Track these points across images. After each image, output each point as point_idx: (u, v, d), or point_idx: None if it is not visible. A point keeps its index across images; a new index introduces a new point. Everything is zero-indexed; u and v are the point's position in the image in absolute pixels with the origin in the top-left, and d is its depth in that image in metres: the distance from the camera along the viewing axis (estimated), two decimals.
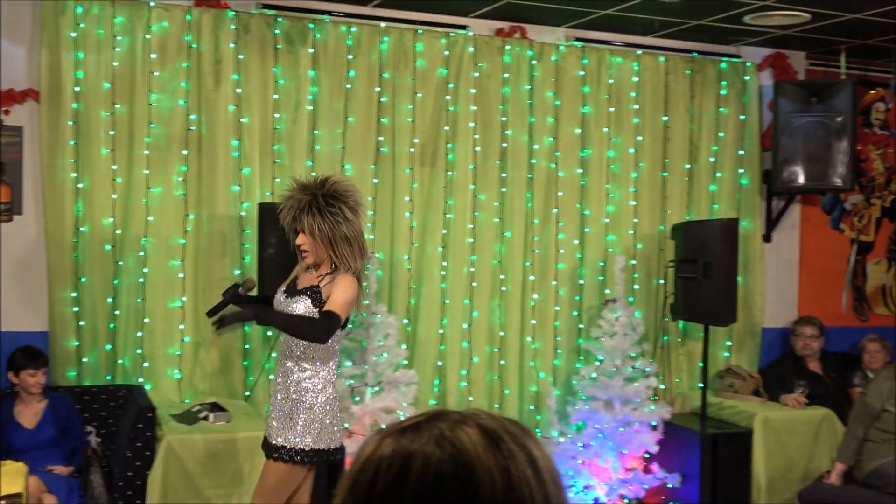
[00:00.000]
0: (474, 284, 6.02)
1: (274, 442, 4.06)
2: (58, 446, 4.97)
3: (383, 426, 5.33)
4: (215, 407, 5.11)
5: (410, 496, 0.99)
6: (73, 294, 5.28)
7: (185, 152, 5.45)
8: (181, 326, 5.45)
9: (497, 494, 0.99)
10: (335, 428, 4.11)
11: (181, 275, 5.44)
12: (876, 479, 5.36)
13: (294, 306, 4.06)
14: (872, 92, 7.25)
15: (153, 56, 5.38)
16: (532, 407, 6.17)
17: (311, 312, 4.00)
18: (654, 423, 6.03)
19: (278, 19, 5.62)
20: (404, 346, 5.72)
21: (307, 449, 4.03)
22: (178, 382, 5.48)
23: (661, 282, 6.44)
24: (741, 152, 6.67)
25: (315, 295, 4.04)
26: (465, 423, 1.05)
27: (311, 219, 4.03)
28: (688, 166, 6.55)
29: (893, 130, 7.35)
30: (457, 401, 5.96)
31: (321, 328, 3.93)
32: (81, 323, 5.31)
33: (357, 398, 5.39)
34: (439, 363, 5.96)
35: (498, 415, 1.09)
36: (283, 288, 4.23)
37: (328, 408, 4.07)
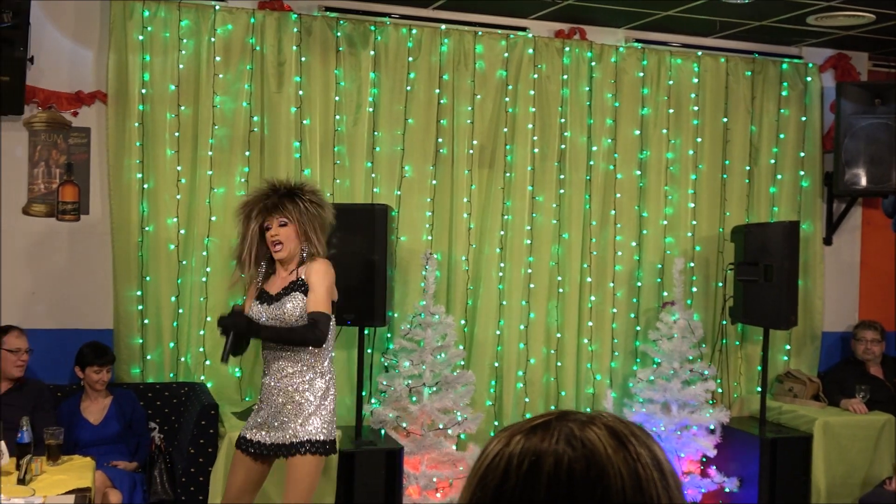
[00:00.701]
0: (531, 286, 6.03)
1: (295, 440, 4.00)
2: (122, 442, 5.07)
3: (440, 425, 5.37)
4: None
5: (542, 494, 1.01)
6: (138, 292, 5.38)
7: (247, 153, 5.52)
8: None
9: (626, 495, 1.00)
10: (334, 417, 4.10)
11: (243, 275, 5.50)
12: None
13: (287, 307, 4.01)
14: None
15: (217, 58, 5.46)
16: (588, 409, 6.16)
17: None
18: (711, 427, 6.00)
19: (340, 22, 5.68)
20: (462, 347, 5.76)
21: (332, 439, 4.04)
22: (239, 380, 5.56)
23: (721, 284, 6.39)
24: (802, 154, 6.60)
25: (305, 288, 4.02)
26: (594, 424, 1.07)
27: (294, 206, 4.04)
28: (748, 168, 6.50)
29: None
30: (513, 402, 5.97)
31: (319, 333, 3.94)
32: (146, 321, 5.41)
33: (414, 398, 5.43)
34: (496, 364, 5.98)
35: (621, 417, 1.11)
36: (254, 300, 4.13)
37: (332, 397, 4.07)
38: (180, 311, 5.46)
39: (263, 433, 4.08)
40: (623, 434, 1.06)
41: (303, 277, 4.04)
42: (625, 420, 1.10)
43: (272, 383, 4.06)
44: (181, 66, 5.41)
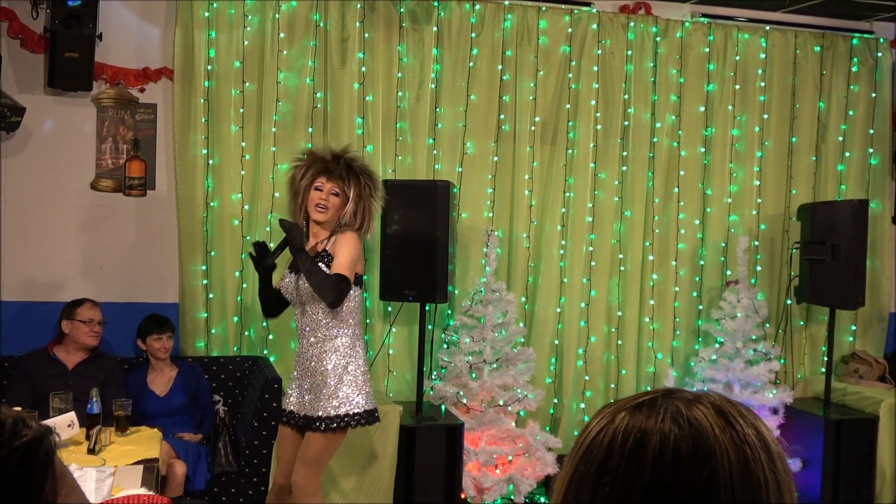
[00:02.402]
0: (593, 263, 6.00)
1: (321, 413, 4.03)
2: (188, 413, 5.16)
3: (500, 402, 5.38)
4: None
5: (647, 472, 0.99)
6: (203, 267, 5.46)
7: (310, 129, 5.55)
8: None
9: (734, 477, 0.99)
10: (368, 389, 4.13)
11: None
12: None
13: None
14: None
15: (282, 35, 5.48)
16: (649, 388, 6.13)
17: None
18: (774, 408, 5.93)
19: None
20: (522, 324, 5.75)
21: (359, 412, 4.06)
22: None
23: (786, 264, 6.30)
24: (871, 131, 6.46)
25: (329, 260, 4.06)
26: (700, 402, 1.05)
27: (353, 186, 4.10)
28: (815, 145, 6.38)
29: None
30: (573, 380, 5.96)
31: (339, 290, 3.97)
32: (210, 295, 5.48)
33: (475, 374, 5.44)
34: (556, 342, 5.96)
35: (727, 396, 1.08)
36: (286, 269, 4.26)
37: (354, 372, 4.09)
38: (244, 285, 5.52)
39: (298, 403, 4.18)
40: (730, 413, 1.03)
41: (327, 249, 4.10)
42: (731, 399, 1.07)
43: (300, 352, 4.19)
44: (246, 43, 5.45)
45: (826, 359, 5.99)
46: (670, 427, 1.01)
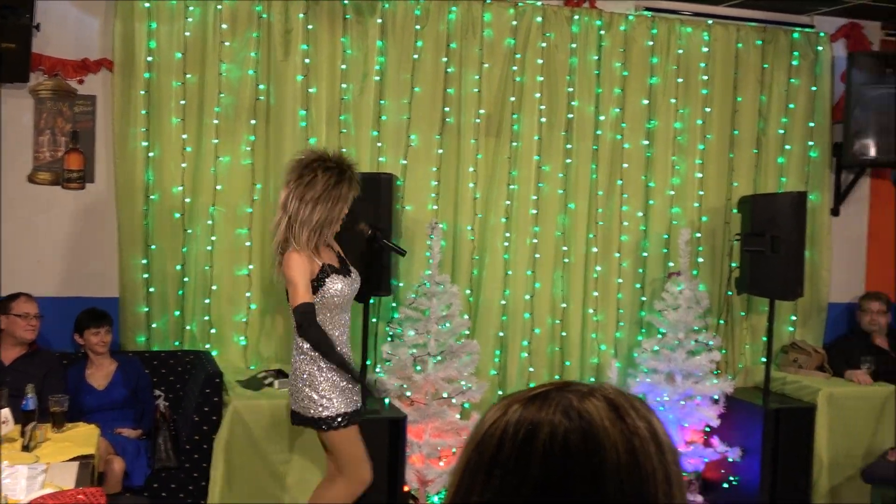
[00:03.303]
0: (537, 256, 6.03)
1: (327, 414, 4.23)
2: (128, 408, 5.11)
3: (445, 394, 5.40)
4: (280, 374, 5.20)
5: (536, 463, 1.00)
6: (144, 261, 5.41)
7: (253, 122, 5.51)
8: (248, 294, 5.55)
9: (621, 468, 1.00)
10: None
11: (248, 243, 5.53)
12: None
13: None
14: None
15: (224, 26, 5.43)
16: (592, 379, 6.18)
17: None
18: (715, 397, 6.01)
19: None
20: (466, 317, 5.77)
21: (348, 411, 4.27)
22: (244, 349, 5.59)
23: (727, 255, 6.37)
24: (811, 124, 6.55)
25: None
26: (593, 395, 1.06)
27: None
28: (756, 138, 6.46)
29: None
30: (517, 372, 5.99)
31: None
32: (151, 289, 5.43)
33: (419, 367, 5.45)
34: (501, 334, 5.99)
35: (622, 390, 1.10)
36: (336, 275, 4.27)
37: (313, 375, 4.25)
38: (185, 279, 5.48)
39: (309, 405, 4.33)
40: (622, 406, 1.05)
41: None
42: (626, 393, 1.09)
43: (348, 354, 4.41)
44: (187, 34, 5.39)
45: (766, 349, 6.07)
46: (560, 419, 1.02)
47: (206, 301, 5.51)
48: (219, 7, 5.42)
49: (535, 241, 6.02)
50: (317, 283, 4.18)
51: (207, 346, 5.52)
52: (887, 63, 6.30)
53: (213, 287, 5.50)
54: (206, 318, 5.50)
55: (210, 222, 5.47)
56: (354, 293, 4.39)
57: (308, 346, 4.17)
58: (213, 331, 5.53)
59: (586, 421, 1.02)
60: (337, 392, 4.22)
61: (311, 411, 4.21)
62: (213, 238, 5.49)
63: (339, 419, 4.23)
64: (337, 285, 4.22)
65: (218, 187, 5.46)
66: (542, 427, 1.02)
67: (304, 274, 4.12)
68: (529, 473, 1.00)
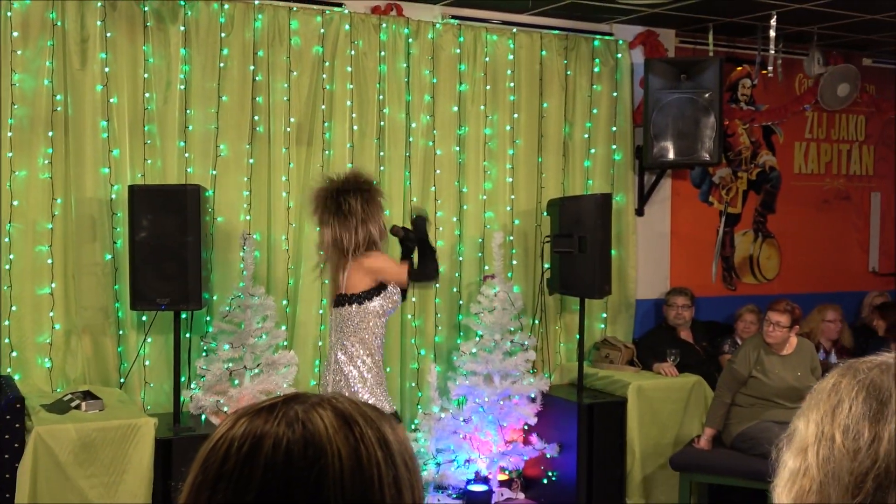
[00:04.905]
0: None
1: None
2: None
3: None
4: (88, 395, 4.99)
5: (259, 475, 1.02)
6: None
7: (50, 134, 5.27)
8: (51, 314, 5.30)
9: (345, 475, 1.02)
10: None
11: (49, 261, 5.29)
12: (742, 442, 5.59)
13: None
14: (739, 69, 7.49)
15: (15, 34, 5.18)
16: (413, 384, 6.22)
17: None
18: (532, 396, 6.16)
19: None
20: (283, 328, 5.70)
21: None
22: (49, 371, 5.33)
23: (539, 257, 6.54)
24: (614, 129, 6.81)
25: None
26: (321, 406, 1.08)
27: None
28: (563, 143, 6.66)
29: (759, 106, 7.61)
30: None
31: None
32: None
33: (236, 381, 5.35)
34: (319, 343, 5.95)
35: (357, 400, 1.12)
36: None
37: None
38: None
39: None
40: (351, 415, 1.07)
41: None
42: (360, 403, 1.11)
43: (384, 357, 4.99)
44: None
45: (578, 346, 6.27)
46: (284, 430, 1.04)
47: (6, 323, 5.23)
48: (8, 13, 5.16)
49: None
50: (381, 287, 4.71)
51: (9, 370, 5.23)
52: (681, 69, 6.62)
53: (13, 308, 5.22)
54: (7, 340, 5.22)
55: (7, 240, 5.19)
56: (399, 302, 4.92)
57: (357, 349, 4.68)
58: (14, 354, 5.25)
59: (310, 431, 1.04)
60: (384, 393, 4.79)
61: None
62: (11, 256, 5.22)
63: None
64: (398, 291, 4.81)
65: (14, 203, 5.20)
66: (266, 439, 1.04)
67: (389, 259, 4.80)
68: (252, 485, 1.02)
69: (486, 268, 6.36)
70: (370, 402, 4.42)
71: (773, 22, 6.46)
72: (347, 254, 4.62)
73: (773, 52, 6.71)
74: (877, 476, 1.12)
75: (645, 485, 6.12)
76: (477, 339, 6.18)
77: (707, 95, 6.58)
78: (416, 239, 5.05)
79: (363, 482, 1.03)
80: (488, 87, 6.39)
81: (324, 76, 5.91)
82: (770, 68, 6.93)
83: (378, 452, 1.05)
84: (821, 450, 1.16)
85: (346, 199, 4.59)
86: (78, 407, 4.88)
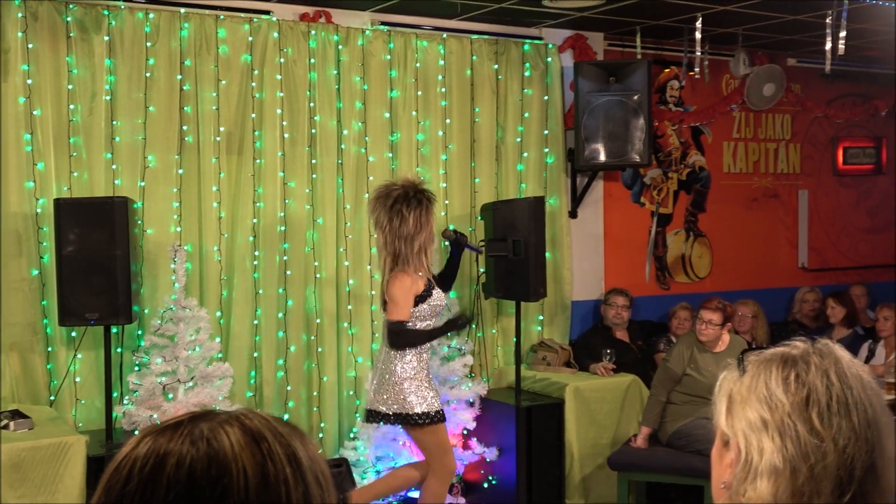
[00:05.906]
0: (288, 273, 5.97)
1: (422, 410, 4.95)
2: None
3: None
4: (16, 414, 4.88)
5: (161, 495, 1.00)
6: None
7: None
8: None
9: (250, 493, 1.01)
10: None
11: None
12: (678, 440, 5.65)
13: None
14: (667, 70, 7.59)
15: None
16: (351, 392, 6.20)
17: None
18: (471, 400, 6.17)
19: (70, 6, 5.38)
20: (218, 340, 5.63)
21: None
22: None
23: (475, 261, 6.55)
24: (546, 132, 6.85)
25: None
26: (228, 423, 1.07)
27: None
28: (496, 147, 6.69)
29: (687, 107, 7.72)
30: (275, 391, 5.92)
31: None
32: None
33: (170, 395, 5.27)
34: (255, 354, 5.89)
35: (269, 416, 1.11)
36: (438, 289, 5.15)
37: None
38: None
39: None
40: (259, 432, 1.06)
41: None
42: (273, 418, 1.10)
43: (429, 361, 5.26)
44: None
45: (515, 349, 6.29)
46: (188, 448, 1.03)
47: None
48: None
49: (286, 258, 5.97)
50: (426, 294, 5.00)
51: None
52: (610, 72, 6.68)
53: None
54: None
55: None
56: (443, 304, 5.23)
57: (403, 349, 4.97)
58: None
59: (214, 448, 1.03)
60: (432, 391, 5.02)
61: (416, 408, 4.91)
62: None
63: (435, 415, 4.96)
64: (441, 294, 5.10)
65: None
66: (169, 457, 1.03)
67: (407, 294, 4.92)
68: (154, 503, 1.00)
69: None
70: (412, 400, 4.85)
71: (698, 24, 6.55)
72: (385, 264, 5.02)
73: (699, 53, 6.81)
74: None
75: (584, 485, 6.16)
76: None
77: (636, 97, 6.65)
78: (462, 248, 5.54)
79: (270, 499, 1.02)
80: (420, 93, 6.39)
81: (253, 84, 5.86)
82: (697, 70, 7.02)
83: (287, 469, 1.04)
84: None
85: (399, 210, 4.92)
86: (6, 427, 4.78)
